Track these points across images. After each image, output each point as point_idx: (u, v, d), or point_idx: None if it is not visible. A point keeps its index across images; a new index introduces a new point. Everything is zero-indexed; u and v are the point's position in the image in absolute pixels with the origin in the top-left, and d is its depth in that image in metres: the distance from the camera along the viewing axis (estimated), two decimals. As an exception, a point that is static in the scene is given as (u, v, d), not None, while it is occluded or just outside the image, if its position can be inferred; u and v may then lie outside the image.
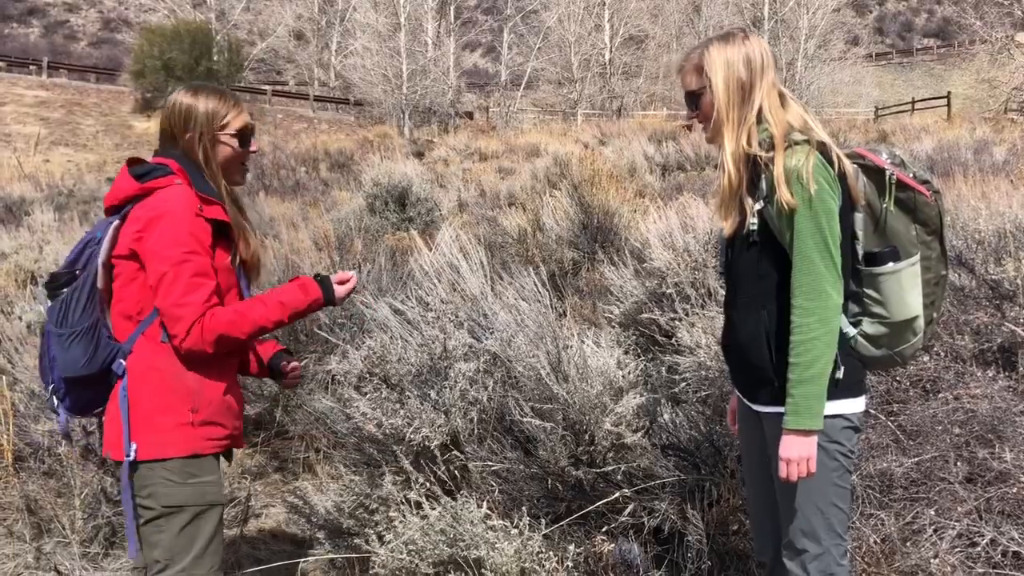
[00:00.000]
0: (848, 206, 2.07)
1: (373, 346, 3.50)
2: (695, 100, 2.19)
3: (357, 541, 2.92)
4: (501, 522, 2.70)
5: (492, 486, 3.15)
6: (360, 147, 22.91)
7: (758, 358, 2.12)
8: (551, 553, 2.67)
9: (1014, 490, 2.92)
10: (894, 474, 3.08)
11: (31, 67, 39.35)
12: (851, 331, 2.13)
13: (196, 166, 2.26)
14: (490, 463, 3.19)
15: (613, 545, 3.03)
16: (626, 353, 3.61)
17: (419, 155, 22.27)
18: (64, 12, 71.40)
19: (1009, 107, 31.30)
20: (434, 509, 2.77)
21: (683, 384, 3.67)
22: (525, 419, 3.12)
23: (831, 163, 2.03)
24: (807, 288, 2.00)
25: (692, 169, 15.06)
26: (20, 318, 6.04)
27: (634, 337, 4.48)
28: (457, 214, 10.99)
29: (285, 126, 36.33)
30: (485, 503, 2.78)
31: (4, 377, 4.50)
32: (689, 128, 18.65)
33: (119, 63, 44.91)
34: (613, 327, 4.66)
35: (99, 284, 2.22)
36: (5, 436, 4.18)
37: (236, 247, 2.31)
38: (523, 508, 2.83)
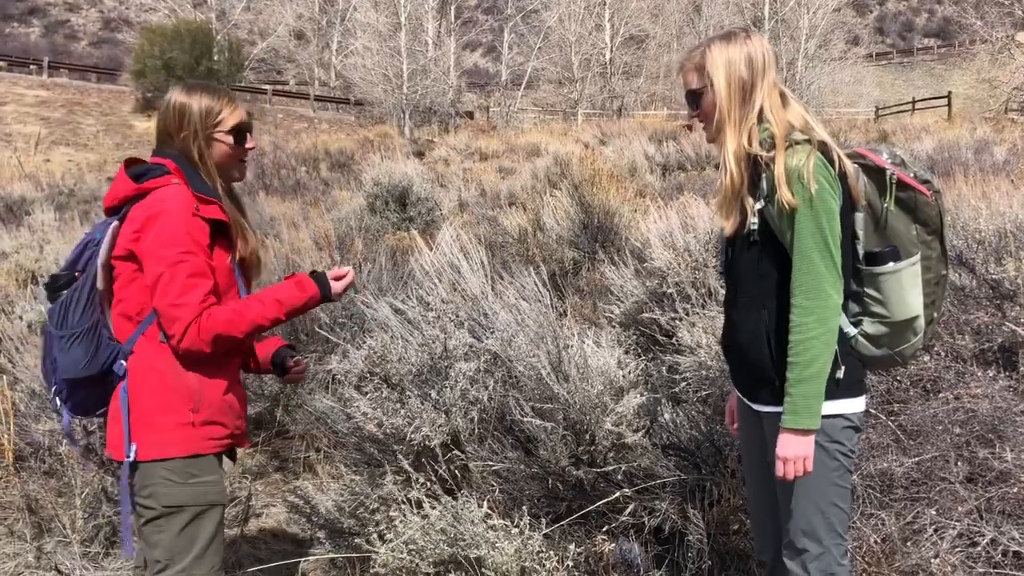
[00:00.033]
0: (849, 206, 2.07)
1: (374, 346, 3.50)
2: (696, 99, 2.19)
3: (358, 541, 2.92)
4: (502, 521, 2.70)
5: (493, 486, 3.15)
6: (360, 147, 22.91)
7: (758, 357, 2.12)
8: (552, 553, 2.67)
9: (1015, 490, 2.92)
10: (894, 474, 3.08)
11: (32, 67, 39.36)
12: (851, 331, 2.13)
13: (192, 165, 2.26)
14: (491, 463, 3.19)
15: (614, 545, 3.03)
16: (627, 353, 3.61)
17: (420, 155, 22.27)
18: (65, 12, 71.43)
19: (1010, 107, 31.32)
20: (435, 509, 2.77)
21: (683, 384, 3.67)
22: (526, 419, 3.12)
23: (832, 163, 2.03)
24: (807, 287, 2.00)
25: (693, 169, 15.05)
26: (21, 318, 6.04)
27: (635, 337, 4.49)
28: (458, 214, 10.98)
29: (285, 126, 36.33)
30: (486, 502, 2.78)
31: (5, 376, 4.50)
32: (690, 128, 18.65)
33: (120, 63, 44.95)
34: (614, 327, 4.67)
35: (99, 285, 2.22)
36: (6, 435, 4.18)
37: (235, 245, 2.31)
38: (524, 508, 2.83)
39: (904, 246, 2.10)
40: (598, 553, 3.01)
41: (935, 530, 2.83)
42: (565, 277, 6.34)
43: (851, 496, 2.29)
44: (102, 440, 3.75)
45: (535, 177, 12.20)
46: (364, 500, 3.13)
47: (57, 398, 2.28)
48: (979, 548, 2.75)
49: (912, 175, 2.11)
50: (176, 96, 2.29)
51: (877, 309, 2.11)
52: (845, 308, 2.11)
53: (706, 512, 2.96)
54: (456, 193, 13.35)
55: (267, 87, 43.42)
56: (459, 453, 3.24)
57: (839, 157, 2.05)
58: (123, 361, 2.19)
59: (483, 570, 2.60)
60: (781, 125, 2.07)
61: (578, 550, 2.83)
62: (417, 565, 2.69)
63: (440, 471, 3.09)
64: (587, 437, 3.12)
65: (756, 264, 2.12)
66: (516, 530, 2.66)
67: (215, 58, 36.29)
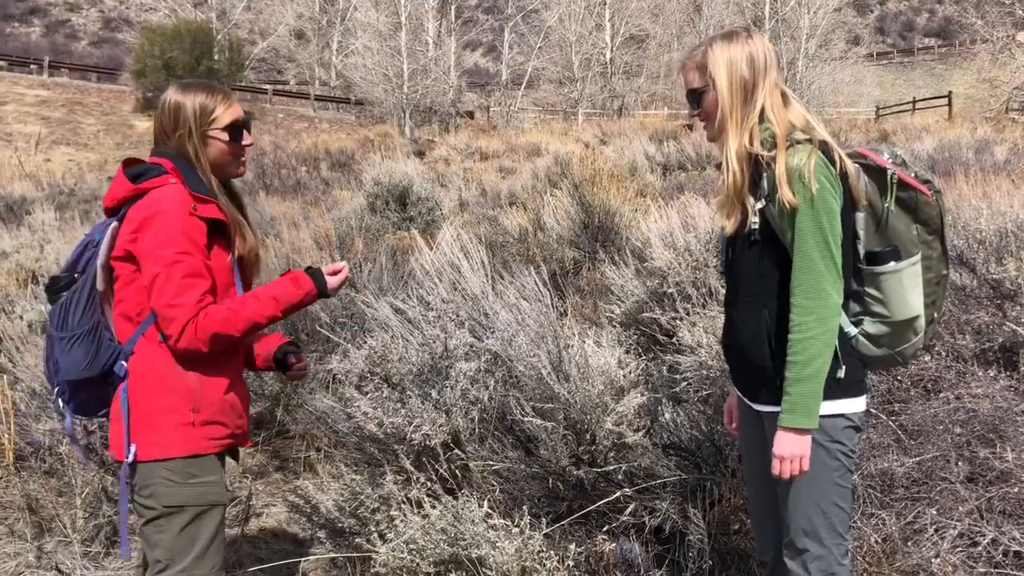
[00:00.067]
0: (849, 205, 2.07)
1: (374, 345, 3.50)
2: (697, 98, 2.19)
3: (358, 540, 2.92)
4: (502, 521, 2.70)
5: (493, 485, 3.15)
6: (361, 146, 22.90)
7: (759, 357, 2.12)
8: (552, 552, 2.67)
9: (1015, 490, 2.92)
10: (895, 474, 3.08)
11: (32, 66, 39.39)
12: (852, 330, 2.13)
13: (189, 164, 2.25)
14: (491, 462, 3.19)
15: (614, 544, 3.03)
16: (627, 352, 3.61)
17: (420, 154, 22.26)
18: (65, 11, 71.44)
19: (1010, 107, 31.31)
20: (435, 508, 2.77)
21: (684, 383, 3.66)
22: (526, 418, 3.12)
23: (833, 162, 2.03)
24: (807, 287, 2.00)
25: (693, 168, 15.04)
26: (21, 317, 6.04)
27: (635, 336, 4.48)
28: (458, 213, 10.98)
29: (286, 125, 36.34)
30: (486, 502, 2.78)
31: (5, 376, 4.51)
32: (690, 127, 18.64)
33: (120, 62, 44.96)
34: (614, 326, 4.66)
35: (99, 286, 2.22)
36: (6, 435, 4.18)
37: (233, 244, 2.30)
38: (524, 507, 2.83)
39: (905, 246, 2.10)
40: (599, 553, 3.01)
41: (936, 530, 2.83)
42: (566, 277, 6.33)
43: (852, 496, 2.29)
44: (102, 440, 3.76)
45: (535, 177, 12.20)
46: (364, 500, 3.13)
47: (60, 399, 2.28)
48: (980, 548, 2.74)
49: (913, 175, 2.11)
50: (171, 95, 2.29)
51: (878, 309, 2.11)
52: (846, 308, 2.11)
53: (707, 512, 2.96)
54: (456, 193, 13.35)
55: (267, 87, 43.43)
56: (459, 453, 3.24)
57: (840, 157, 2.05)
58: (124, 362, 2.19)
59: (484, 570, 2.60)
60: (782, 125, 2.07)
61: (579, 550, 2.83)
62: (418, 565, 2.69)
63: (440, 471, 3.09)
64: (588, 437, 3.12)
65: (757, 264, 2.12)
66: (517, 530, 2.65)
67: (215, 58, 36.32)
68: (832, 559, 2.11)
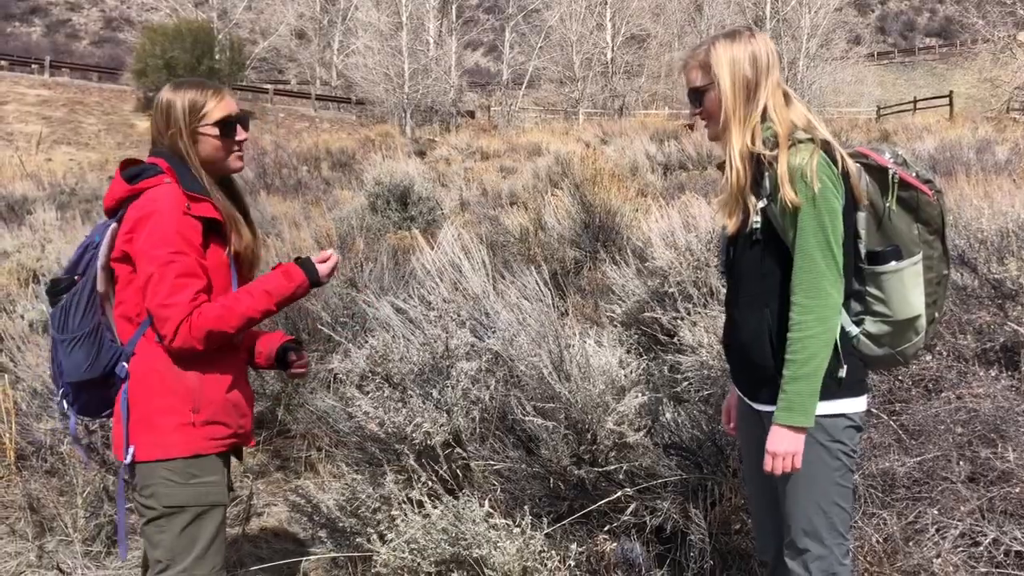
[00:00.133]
0: (851, 205, 2.07)
1: (375, 345, 3.51)
2: (699, 97, 2.18)
3: (359, 540, 2.92)
4: (503, 521, 2.70)
5: (494, 485, 3.15)
6: (362, 146, 22.90)
7: (760, 357, 2.12)
8: (553, 552, 2.67)
9: (1017, 490, 2.91)
10: (896, 473, 3.08)
11: (33, 66, 39.43)
12: (854, 330, 2.13)
13: (183, 162, 2.24)
14: (492, 462, 3.19)
15: (615, 544, 3.03)
16: (628, 352, 3.61)
17: (421, 154, 22.26)
18: (66, 11, 71.47)
19: (1011, 106, 31.28)
20: (436, 508, 2.77)
21: (685, 383, 3.66)
22: (527, 418, 3.12)
23: (835, 162, 2.03)
24: (807, 286, 2.00)
25: (694, 168, 15.05)
26: (22, 317, 6.05)
27: (636, 336, 4.48)
28: (459, 213, 10.98)
29: (287, 125, 36.35)
30: (487, 502, 2.78)
31: (6, 376, 4.51)
32: (691, 127, 18.65)
33: (121, 62, 44.98)
34: (615, 326, 4.66)
35: (100, 288, 2.22)
36: (8, 435, 4.19)
37: (229, 241, 2.29)
38: (525, 507, 2.83)
39: (906, 245, 2.10)
40: (600, 552, 3.00)
41: (937, 530, 2.83)
42: (567, 276, 6.33)
43: (853, 496, 2.29)
44: (103, 439, 3.76)
45: (536, 176, 12.20)
46: (365, 499, 3.13)
47: (64, 401, 2.29)
48: (981, 548, 2.74)
49: (914, 174, 2.11)
50: (164, 94, 2.28)
51: (879, 308, 2.11)
52: (847, 307, 2.11)
53: (708, 511, 2.96)
54: (457, 192, 13.34)
55: (268, 86, 43.45)
56: (460, 452, 3.24)
57: (842, 156, 2.05)
58: (125, 363, 2.19)
59: (485, 570, 2.60)
60: (784, 124, 2.07)
61: (580, 549, 2.83)
62: (418, 564, 2.69)
63: (441, 470, 3.09)
64: (589, 436, 3.12)
65: (758, 263, 2.11)
66: (518, 529, 2.65)
67: (216, 57, 36.37)
68: (833, 559, 2.11)
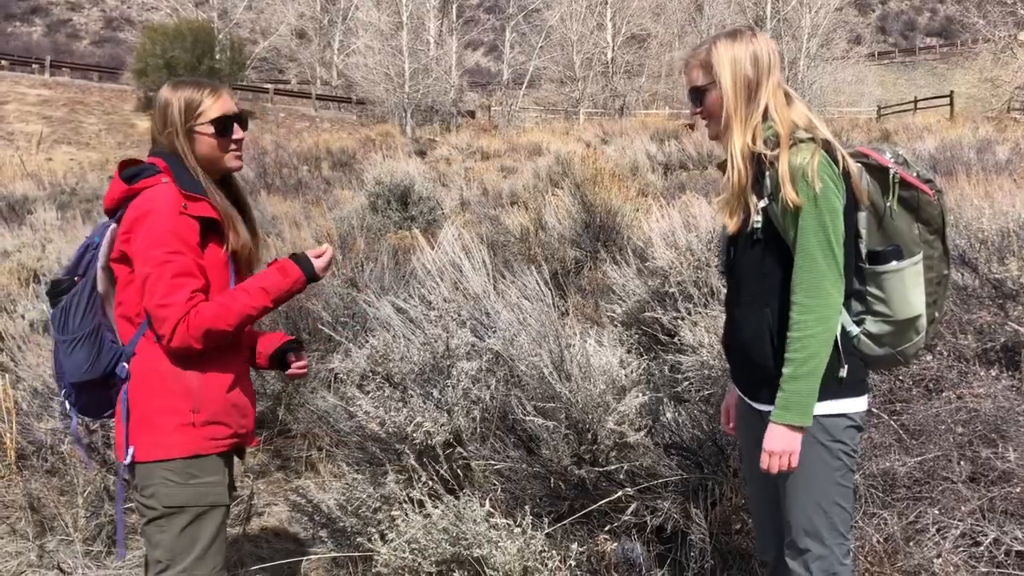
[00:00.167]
0: (852, 205, 2.07)
1: (376, 344, 3.51)
2: (700, 96, 2.18)
3: (360, 540, 2.92)
4: (504, 521, 2.70)
5: (495, 485, 3.15)
6: (362, 146, 22.90)
7: (761, 356, 2.12)
8: (554, 552, 2.67)
9: (1017, 490, 2.91)
10: (897, 473, 3.08)
11: (34, 66, 39.45)
12: (854, 330, 2.13)
13: (180, 162, 2.24)
14: (493, 462, 3.19)
15: (616, 544, 3.03)
16: (629, 352, 3.61)
17: (421, 154, 22.26)
18: (67, 11, 71.49)
19: (1012, 106, 31.26)
20: (437, 508, 2.77)
21: (686, 383, 3.66)
22: (528, 418, 3.12)
23: (836, 161, 2.03)
24: (808, 285, 2.00)
25: (694, 168, 15.05)
26: (23, 316, 6.06)
27: (637, 336, 4.48)
28: (459, 213, 10.98)
29: (287, 125, 36.35)
30: (488, 502, 2.78)
31: (7, 375, 4.51)
32: (692, 127, 18.64)
33: (122, 62, 44.99)
34: (616, 326, 4.66)
35: (100, 288, 2.22)
36: (8, 434, 4.19)
37: (227, 239, 2.28)
38: (526, 507, 2.83)
39: (907, 245, 2.10)
40: (600, 552, 3.00)
41: (938, 530, 2.83)
42: (567, 276, 6.33)
43: (853, 496, 2.28)
44: (104, 438, 3.76)
45: (537, 176, 12.20)
46: (366, 499, 3.13)
47: (67, 401, 2.29)
48: (982, 548, 2.74)
49: (915, 174, 2.11)
50: (162, 93, 2.28)
51: (880, 308, 2.11)
52: (848, 307, 2.11)
53: (708, 511, 2.96)
54: (458, 192, 13.35)
55: (269, 86, 43.45)
56: (461, 452, 3.24)
57: (843, 156, 2.05)
58: (125, 364, 2.19)
59: (486, 569, 2.60)
60: (785, 124, 2.07)
61: (580, 549, 2.83)
62: (419, 564, 2.69)
63: (442, 470, 3.09)
64: (589, 436, 3.12)
65: (759, 263, 2.11)
66: (518, 529, 2.65)
67: (217, 57, 36.38)
68: (834, 559, 2.11)
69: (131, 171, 2.23)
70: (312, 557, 3.33)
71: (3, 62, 39.07)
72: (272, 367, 2.52)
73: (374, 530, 2.82)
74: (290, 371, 2.50)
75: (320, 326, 4.69)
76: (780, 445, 2.03)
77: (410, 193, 10.26)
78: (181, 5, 44.31)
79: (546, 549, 2.66)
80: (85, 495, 3.64)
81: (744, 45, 2.10)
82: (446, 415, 3.26)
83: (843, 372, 2.05)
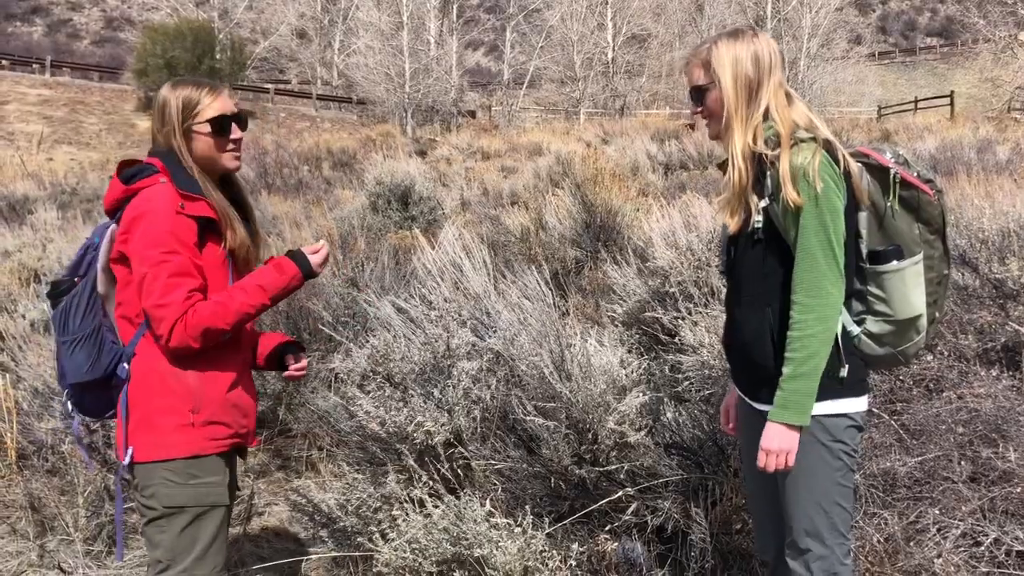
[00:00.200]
0: (853, 204, 2.07)
1: (376, 344, 3.51)
2: (701, 95, 2.18)
3: (360, 539, 2.92)
4: (504, 521, 2.70)
5: (495, 485, 3.15)
6: (363, 146, 22.90)
7: (761, 356, 2.12)
8: (554, 552, 2.67)
9: (1018, 489, 2.91)
10: (897, 473, 3.08)
11: (34, 65, 39.46)
12: (855, 329, 2.13)
13: (177, 161, 2.24)
14: (493, 462, 3.19)
15: (616, 544, 3.03)
16: (629, 352, 3.61)
17: (422, 154, 22.26)
18: (67, 11, 71.52)
19: (1012, 106, 31.25)
20: (437, 507, 2.77)
21: (686, 383, 3.66)
22: (528, 418, 3.12)
23: (836, 161, 2.03)
24: (808, 284, 2.00)
25: (695, 168, 15.04)
26: (23, 316, 6.06)
27: (637, 336, 4.48)
28: (460, 213, 10.98)
29: (288, 125, 36.36)
30: (488, 501, 2.78)
31: (8, 375, 4.51)
32: (692, 127, 18.64)
33: (122, 62, 45.02)
34: (616, 326, 4.66)
35: (100, 289, 2.22)
36: (9, 434, 4.19)
37: (225, 238, 2.28)
38: (526, 507, 2.83)
39: (907, 245, 2.10)
40: (601, 552, 3.01)
41: (938, 530, 2.83)
42: (567, 276, 6.33)
43: (854, 496, 2.29)
44: (104, 438, 3.76)
45: (537, 176, 12.20)
46: (366, 499, 3.14)
47: (68, 402, 2.29)
48: (982, 548, 2.74)
49: (915, 174, 2.11)
50: (161, 92, 2.28)
51: (880, 308, 2.11)
52: (848, 307, 2.11)
53: (709, 511, 2.96)
54: (458, 192, 13.35)
55: (269, 86, 43.46)
56: (462, 452, 3.24)
57: (844, 156, 2.05)
58: (126, 364, 2.19)
59: (486, 569, 2.60)
60: (786, 124, 2.07)
61: (581, 549, 2.83)
62: (420, 564, 2.69)
63: (442, 470, 3.09)
64: (590, 436, 3.12)
65: (760, 263, 2.12)
66: (519, 529, 2.65)
67: (217, 57, 36.39)
68: (834, 559, 2.11)
69: (129, 171, 2.23)
70: (312, 557, 3.33)
71: (3, 62, 39.08)
72: (271, 368, 2.52)
73: (375, 530, 2.82)
74: (288, 372, 2.50)
75: (321, 326, 4.69)
76: (777, 444, 2.03)
77: (411, 193, 10.26)
78: (181, 5, 44.32)
79: (547, 549, 2.66)
80: (86, 495, 3.65)
81: (745, 45, 2.10)
82: (447, 415, 3.26)
83: (844, 372, 2.05)
